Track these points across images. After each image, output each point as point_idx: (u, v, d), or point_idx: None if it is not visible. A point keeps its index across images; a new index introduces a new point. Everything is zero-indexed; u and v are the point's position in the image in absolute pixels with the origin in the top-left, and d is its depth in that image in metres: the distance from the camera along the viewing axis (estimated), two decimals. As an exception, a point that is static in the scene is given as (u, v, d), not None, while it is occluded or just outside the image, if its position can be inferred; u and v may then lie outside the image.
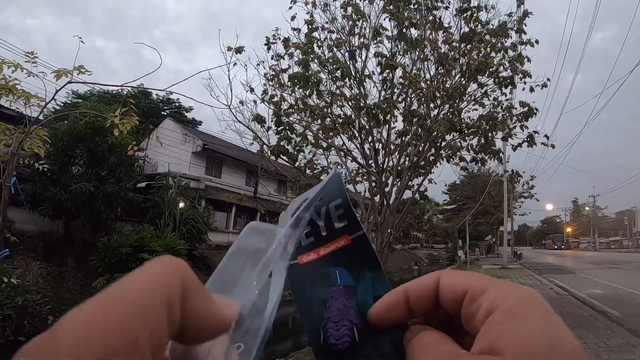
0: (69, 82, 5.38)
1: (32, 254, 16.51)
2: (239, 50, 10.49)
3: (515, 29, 10.62)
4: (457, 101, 10.20)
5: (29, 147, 5.89)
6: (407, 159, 10.90)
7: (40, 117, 5.70)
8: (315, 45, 10.84)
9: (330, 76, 10.79)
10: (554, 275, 23.53)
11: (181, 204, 22.66)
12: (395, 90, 10.73)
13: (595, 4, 25.00)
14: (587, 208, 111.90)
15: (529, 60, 10.53)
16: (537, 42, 10.69)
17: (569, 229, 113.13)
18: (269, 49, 11.15)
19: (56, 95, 5.51)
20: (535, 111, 10.52)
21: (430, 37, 10.31)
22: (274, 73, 11.11)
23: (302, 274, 0.45)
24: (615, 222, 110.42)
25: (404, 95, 10.75)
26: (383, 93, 10.83)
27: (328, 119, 10.81)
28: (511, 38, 10.72)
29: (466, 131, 10.40)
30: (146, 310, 0.28)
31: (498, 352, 0.35)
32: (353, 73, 10.52)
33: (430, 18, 10.22)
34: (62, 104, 27.92)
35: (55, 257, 17.39)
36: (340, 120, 10.77)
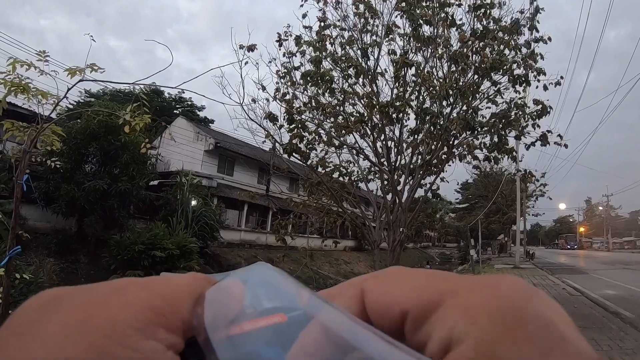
0: (81, 80, 5.39)
1: (45, 250, 16.64)
2: (251, 48, 10.50)
3: (528, 25, 10.54)
4: (470, 99, 10.14)
5: (45, 140, 5.92)
6: (420, 157, 10.87)
7: (53, 116, 5.71)
8: (327, 42, 10.84)
9: (342, 74, 10.78)
10: (566, 275, 23.36)
11: (193, 202, 22.72)
12: (408, 88, 10.70)
13: (609, 1, 24.76)
14: (600, 207, 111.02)
15: (542, 58, 10.46)
16: (549, 39, 10.61)
17: (582, 229, 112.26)
18: (280, 45, 11.15)
19: (69, 95, 5.50)
20: (549, 110, 10.45)
21: (443, 34, 10.26)
22: (285, 70, 11.11)
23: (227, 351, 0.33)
24: (629, 222, 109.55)
25: (417, 93, 10.71)
26: (395, 91, 10.80)
27: (340, 117, 10.80)
28: (524, 35, 10.66)
29: (479, 129, 10.35)
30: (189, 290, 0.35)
31: None
32: (365, 71, 10.51)
33: (443, 15, 10.16)
34: (75, 103, 28.15)
35: (68, 254, 17.50)
36: (353, 118, 10.75)
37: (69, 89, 5.52)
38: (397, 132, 10.96)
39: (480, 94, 10.64)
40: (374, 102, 10.26)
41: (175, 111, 43.64)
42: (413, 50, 10.75)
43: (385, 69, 11.12)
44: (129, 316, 0.29)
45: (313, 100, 10.88)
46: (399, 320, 0.30)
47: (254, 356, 0.31)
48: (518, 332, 0.25)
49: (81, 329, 0.28)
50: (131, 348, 0.28)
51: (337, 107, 10.82)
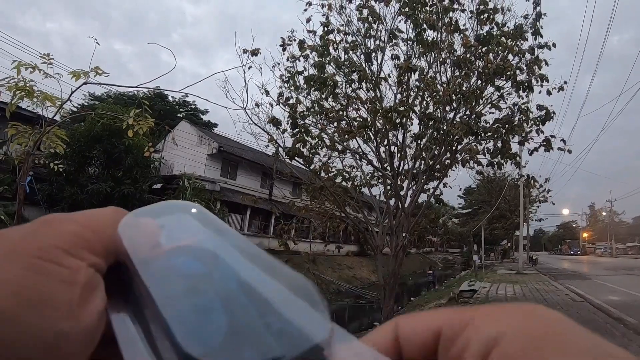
0: (85, 83, 5.41)
1: (48, 253, 16.66)
2: (254, 52, 10.50)
3: (531, 31, 10.54)
4: (473, 104, 10.13)
5: (49, 143, 5.94)
6: (423, 162, 10.85)
7: (57, 118, 5.73)
8: (330, 47, 10.84)
9: (346, 79, 10.78)
10: (570, 281, 23.29)
11: (196, 205, 22.71)
12: (411, 93, 10.70)
13: (612, 6, 24.78)
14: (603, 213, 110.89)
15: (546, 64, 10.44)
16: (554, 45, 10.59)
17: (585, 235, 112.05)
18: (284, 50, 11.15)
19: (73, 97, 5.52)
20: (552, 115, 10.42)
21: (447, 39, 10.26)
22: (289, 75, 11.10)
23: None
24: (632, 228, 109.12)
25: (420, 98, 10.70)
26: (399, 96, 10.79)
27: (344, 122, 10.80)
28: (527, 40, 10.66)
29: (482, 134, 10.33)
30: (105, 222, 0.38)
31: None
32: (369, 76, 10.50)
33: (446, 20, 10.17)
34: (79, 106, 28.25)
35: (71, 256, 17.51)
36: (356, 123, 10.75)
37: (72, 92, 5.55)
38: (400, 137, 10.95)
39: (484, 99, 10.63)
40: (377, 107, 10.25)
41: (178, 115, 43.72)
42: (417, 55, 10.75)
43: (388, 74, 11.12)
44: (55, 240, 0.34)
45: (316, 105, 10.87)
46: (432, 339, 0.31)
47: (174, 269, 0.35)
48: (542, 324, 0.27)
49: (12, 254, 0.32)
50: (59, 264, 0.32)
51: (341, 112, 10.82)
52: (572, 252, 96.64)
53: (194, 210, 0.41)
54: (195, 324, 0.30)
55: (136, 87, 6.65)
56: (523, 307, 0.29)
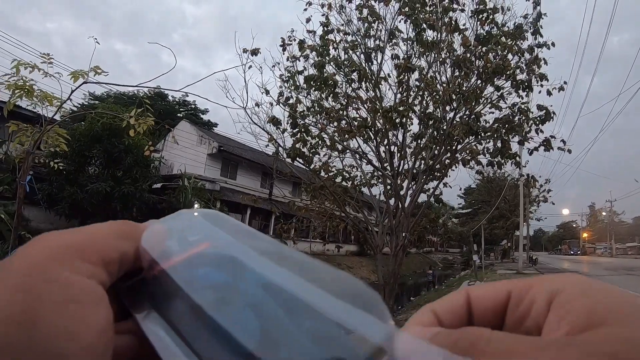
0: (85, 82, 5.41)
1: (48, 253, 16.65)
2: (254, 52, 10.50)
3: (531, 30, 10.55)
4: (473, 104, 10.13)
5: (50, 142, 5.95)
6: (423, 162, 10.85)
7: (57, 117, 5.73)
8: (330, 47, 10.85)
9: (346, 78, 10.78)
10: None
11: (196, 205, 22.72)
12: (411, 92, 10.70)
13: (612, 6, 24.79)
14: (603, 213, 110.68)
15: (545, 63, 10.44)
16: (553, 44, 10.60)
17: (585, 235, 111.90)
18: (284, 50, 11.15)
19: (73, 97, 5.53)
20: (552, 115, 10.42)
21: (447, 39, 10.27)
22: (289, 75, 11.10)
23: None
24: (632, 228, 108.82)
25: (420, 98, 10.70)
26: (399, 96, 10.80)
27: (344, 122, 10.80)
28: (527, 40, 10.66)
29: (482, 134, 10.33)
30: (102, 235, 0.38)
31: (596, 324, 0.28)
32: (369, 75, 10.50)
33: (446, 20, 10.17)
34: (79, 105, 28.26)
35: (71, 256, 17.50)
36: (356, 123, 10.76)
37: (72, 91, 5.55)
38: (400, 137, 10.96)
39: (484, 98, 10.62)
40: (377, 107, 10.25)
41: (178, 114, 43.68)
42: (416, 55, 10.76)
43: (388, 74, 11.13)
44: (44, 255, 0.33)
45: (316, 105, 10.87)
46: (503, 300, 0.35)
47: (203, 276, 0.36)
48: (591, 281, 0.32)
49: (2, 275, 0.31)
50: (49, 280, 0.31)
51: (341, 112, 10.82)
52: (572, 252, 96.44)
53: (212, 216, 0.43)
54: (241, 326, 0.30)
55: (136, 86, 6.66)
56: (572, 273, 0.34)
